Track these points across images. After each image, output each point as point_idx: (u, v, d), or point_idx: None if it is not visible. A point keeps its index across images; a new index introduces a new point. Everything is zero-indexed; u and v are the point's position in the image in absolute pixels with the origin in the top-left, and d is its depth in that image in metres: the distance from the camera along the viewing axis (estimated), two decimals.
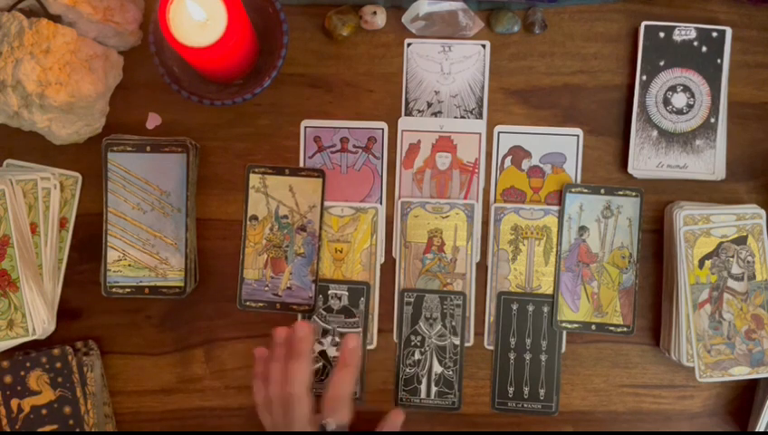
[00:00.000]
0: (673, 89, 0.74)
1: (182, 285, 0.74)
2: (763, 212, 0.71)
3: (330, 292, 0.75)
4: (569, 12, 0.75)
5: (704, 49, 0.73)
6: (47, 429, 0.71)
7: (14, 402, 0.71)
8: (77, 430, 0.71)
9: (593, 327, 0.74)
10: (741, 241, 0.70)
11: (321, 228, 0.75)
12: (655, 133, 0.74)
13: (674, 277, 0.72)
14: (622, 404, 0.75)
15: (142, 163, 0.74)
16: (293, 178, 0.75)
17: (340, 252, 0.75)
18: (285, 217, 0.75)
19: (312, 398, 0.65)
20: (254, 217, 0.75)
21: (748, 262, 0.70)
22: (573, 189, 0.74)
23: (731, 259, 0.70)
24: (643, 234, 0.74)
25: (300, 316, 0.75)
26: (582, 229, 0.74)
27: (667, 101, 0.74)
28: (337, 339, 0.75)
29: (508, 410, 0.75)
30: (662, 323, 0.74)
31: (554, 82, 0.75)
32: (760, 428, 0.72)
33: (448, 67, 0.75)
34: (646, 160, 0.74)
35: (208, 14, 0.63)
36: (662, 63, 0.74)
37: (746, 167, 0.75)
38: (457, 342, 0.75)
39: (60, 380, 0.71)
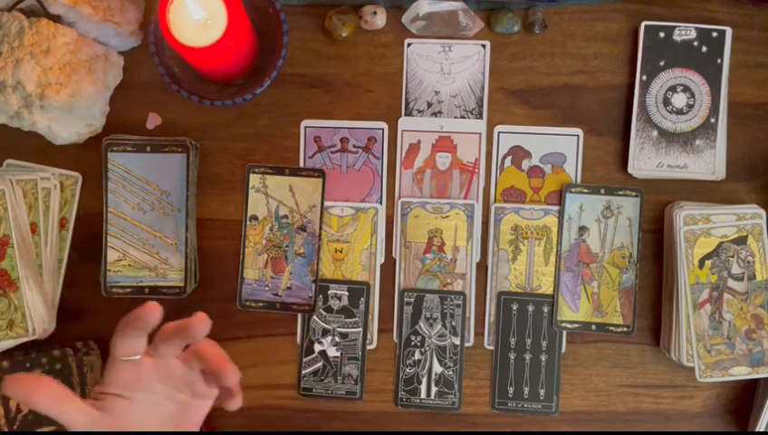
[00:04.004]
0: (673, 89, 0.74)
1: (182, 285, 0.74)
2: (762, 212, 0.71)
3: (330, 292, 0.75)
4: (569, 12, 0.75)
5: (704, 49, 0.73)
6: (45, 429, 0.71)
7: (12, 402, 0.71)
8: None
9: (593, 327, 0.74)
10: (741, 241, 0.70)
11: (321, 228, 0.75)
12: (655, 133, 0.74)
13: (674, 277, 0.72)
14: (622, 404, 0.75)
15: (142, 163, 0.74)
16: (293, 178, 0.75)
17: (340, 252, 0.75)
18: (285, 217, 0.75)
19: None
20: (254, 217, 0.75)
21: (748, 262, 0.70)
22: (573, 189, 0.74)
23: (731, 259, 0.70)
24: (643, 234, 0.74)
25: (300, 316, 0.75)
26: (582, 229, 0.74)
27: (667, 101, 0.74)
28: (337, 339, 0.75)
29: (508, 410, 0.75)
30: (662, 323, 0.74)
31: (554, 82, 0.75)
32: (760, 428, 0.72)
33: (448, 67, 0.75)
34: (646, 160, 0.74)
35: (208, 13, 0.63)
36: (662, 63, 0.74)
37: (746, 167, 0.75)
38: (457, 342, 0.75)
39: (60, 381, 0.71)
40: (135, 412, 0.61)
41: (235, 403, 0.62)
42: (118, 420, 0.60)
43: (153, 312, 0.58)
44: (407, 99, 0.76)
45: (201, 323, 0.59)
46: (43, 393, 0.56)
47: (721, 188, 0.75)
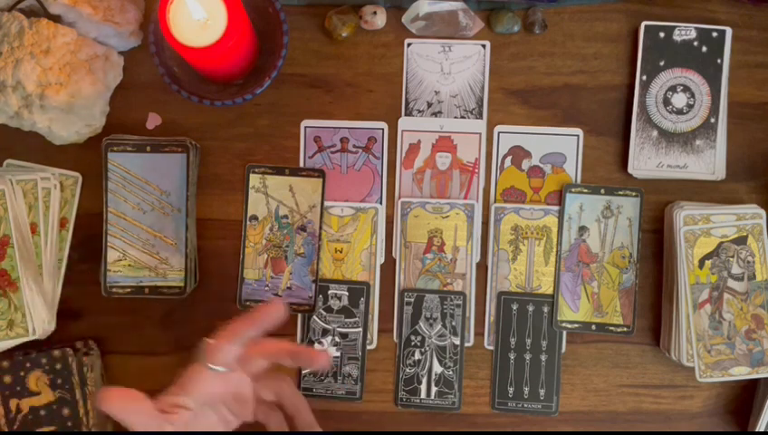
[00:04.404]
0: (673, 89, 0.74)
1: (182, 285, 0.74)
2: (762, 212, 0.71)
3: (330, 292, 0.75)
4: (569, 12, 0.75)
5: (704, 49, 0.73)
6: (45, 429, 0.71)
7: (12, 402, 0.71)
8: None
9: (593, 327, 0.74)
10: (741, 241, 0.70)
11: (321, 228, 0.75)
12: (655, 133, 0.74)
13: (674, 277, 0.72)
14: (622, 404, 0.75)
15: (142, 163, 0.74)
16: (293, 178, 0.75)
17: (340, 252, 0.75)
18: (285, 217, 0.75)
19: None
20: (254, 217, 0.75)
21: (748, 262, 0.70)
22: (573, 189, 0.74)
23: (731, 259, 0.70)
24: (643, 234, 0.74)
25: (300, 316, 0.75)
26: (582, 229, 0.74)
27: (667, 101, 0.74)
28: (337, 339, 0.75)
29: (508, 410, 0.75)
30: (662, 323, 0.74)
31: (554, 82, 0.75)
32: (760, 428, 0.72)
33: (448, 67, 0.75)
34: (646, 160, 0.74)
35: (208, 13, 0.63)
36: (662, 63, 0.74)
37: (746, 167, 0.75)
38: (457, 342, 0.75)
39: (59, 381, 0.71)
40: (195, 424, 0.60)
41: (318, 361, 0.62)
42: (182, 428, 0.60)
43: (279, 309, 0.60)
44: (407, 99, 0.76)
45: (325, 356, 0.62)
46: (143, 408, 0.57)
47: (721, 188, 0.75)
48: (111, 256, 0.74)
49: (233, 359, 0.60)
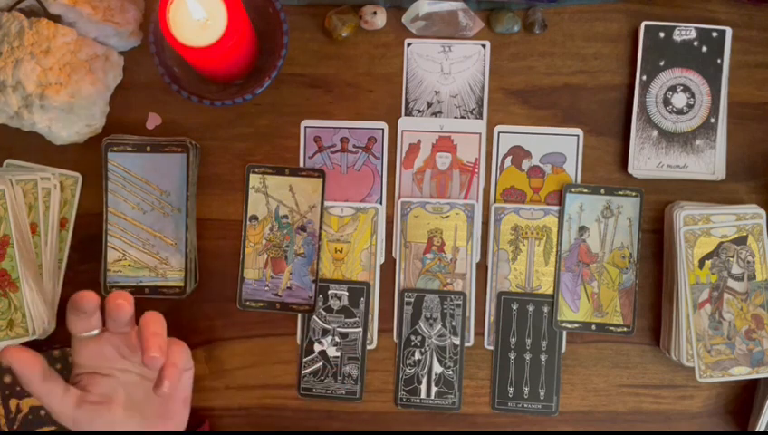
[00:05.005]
0: (673, 89, 0.74)
1: (182, 285, 0.74)
2: (762, 212, 0.71)
3: (330, 292, 0.75)
4: (569, 12, 0.75)
5: (704, 49, 0.73)
6: (45, 429, 0.71)
7: (12, 402, 0.71)
8: None
9: (593, 327, 0.74)
10: (741, 241, 0.70)
11: (321, 228, 0.75)
12: (655, 133, 0.74)
13: (674, 277, 0.72)
14: (622, 404, 0.75)
15: (142, 163, 0.74)
16: (293, 178, 0.75)
17: (341, 252, 0.75)
18: (285, 217, 0.75)
19: None
20: (254, 217, 0.75)
21: (748, 262, 0.70)
22: (573, 189, 0.74)
23: (731, 259, 0.70)
24: (643, 234, 0.74)
25: (300, 316, 0.75)
26: (582, 229, 0.74)
27: (667, 101, 0.74)
28: (337, 339, 0.75)
29: (508, 410, 0.75)
30: (662, 323, 0.74)
31: (554, 82, 0.75)
32: (760, 428, 0.72)
33: (448, 67, 0.75)
34: (646, 160, 0.74)
35: (208, 13, 0.63)
36: (662, 63, 0.74)
37: (746, 167, 0.75)
38: (457, 342, 0.75)
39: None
40: (116, 386, 0.62)
41: (158, 387, 0.59)
42: (102, 397, 0.61)
43: (87, 303, 0.60)
44: (407, 99, 0.76)
45: (114, 305, 0.61)
46: (38, 369, 0.57)
47: (721, 188, 0.75)
48: (111, 255, 0.74)
49: (90, 324, 0.61)
